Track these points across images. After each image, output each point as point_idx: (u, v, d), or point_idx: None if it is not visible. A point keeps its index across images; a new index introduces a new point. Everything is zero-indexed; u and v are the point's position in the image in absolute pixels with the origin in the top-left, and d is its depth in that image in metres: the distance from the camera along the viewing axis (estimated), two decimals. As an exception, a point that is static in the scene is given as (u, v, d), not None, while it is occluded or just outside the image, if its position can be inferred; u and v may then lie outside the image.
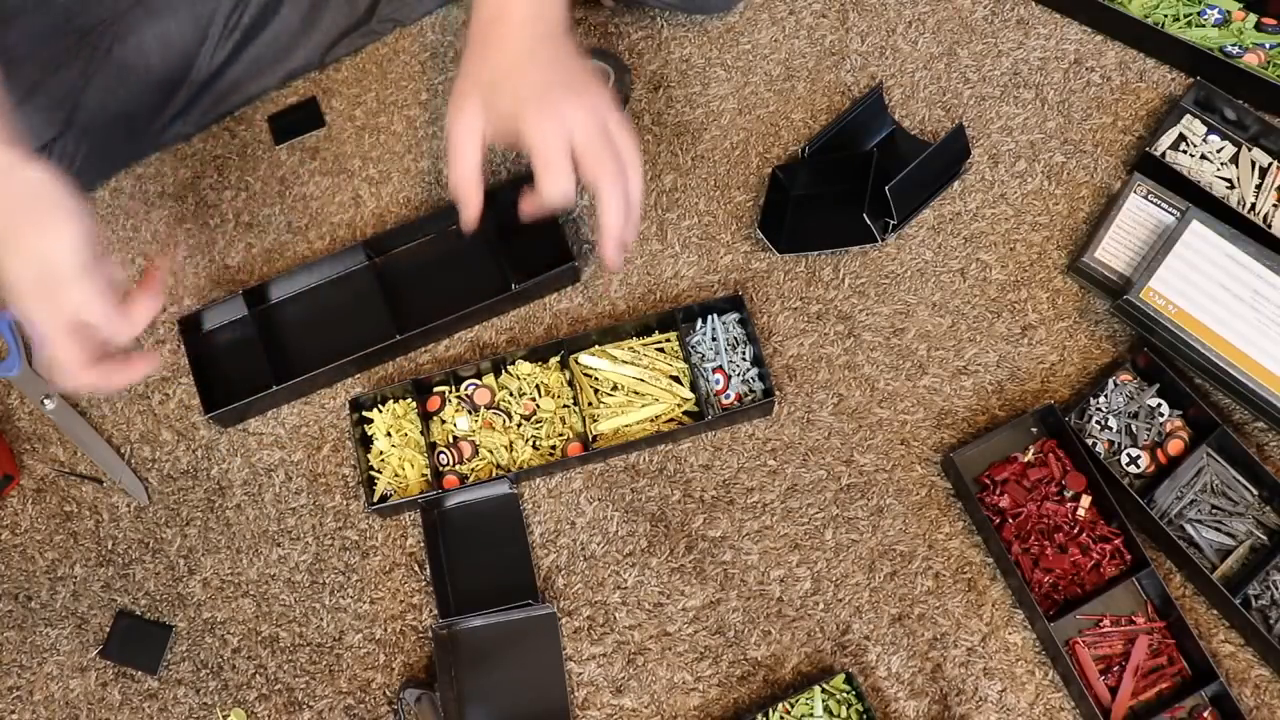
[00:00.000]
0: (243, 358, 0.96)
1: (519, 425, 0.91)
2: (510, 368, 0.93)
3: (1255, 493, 0.84)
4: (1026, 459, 0.87)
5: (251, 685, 0.87)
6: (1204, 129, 0.95)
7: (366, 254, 0.97)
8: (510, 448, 0.91)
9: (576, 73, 0.78)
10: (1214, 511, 0.84)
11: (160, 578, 0.91)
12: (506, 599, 0.85)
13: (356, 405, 0.92)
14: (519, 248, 0.96)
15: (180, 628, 0.89)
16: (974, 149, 0.98)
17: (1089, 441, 0.86)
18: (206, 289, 1.00)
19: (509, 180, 1.00)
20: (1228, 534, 0.83)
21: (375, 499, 0.90)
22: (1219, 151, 0.94)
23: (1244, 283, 0.85)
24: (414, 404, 0.92)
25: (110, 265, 0.72)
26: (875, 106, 0.99)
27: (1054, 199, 0.96)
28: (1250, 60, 0.96)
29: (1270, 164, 0.93)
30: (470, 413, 0.92)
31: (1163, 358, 0.87)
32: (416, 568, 0.89)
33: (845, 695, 0.81)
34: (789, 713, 0.81)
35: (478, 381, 0.93)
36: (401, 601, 0.89)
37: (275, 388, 0.92)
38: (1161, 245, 0.87)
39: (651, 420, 0.90)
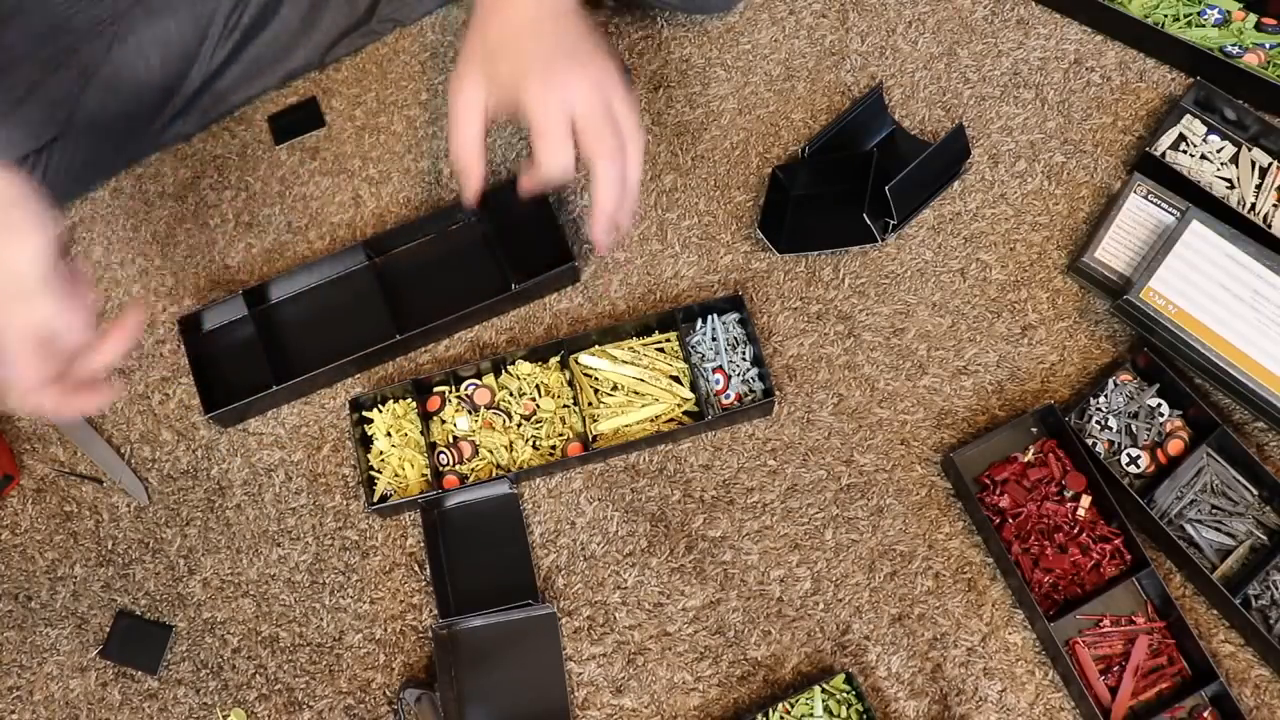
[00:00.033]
0: (243, 358, 0.96)
1: (519, 425, 0.91)
2: (510, 368, 0.93)
3: (1255, 493, 0.84)
4: (1026, 459, 0.87)
5: (251, 685, 0.87)
6: (1204, 129, 0.95)
7: (366, 254, 0.97)
8: (510, 448, 0.91)
9: (583, 46, 0.76)
10: (1214, 511, 0.84)
11: (160, 578, 0.91)
12: (506, 599, 0.85)
13: (356, 405, 0.92)
14: (519, 248, 0.96)
15: (180, 628, 0.89)
16: (974, 149, 0.98)
17: (1089, 441, 0.86)
18: (206, 289, 1.00)
19: (509, 180, 1.00)
20: (1228, 534, 0.83)
21: (375, 499, 0.90)
22: (1219, 151, 0.94)
23: (1244, 283, 0.85)
24: (414, 404, 0.92)
25: (86, 286, 0.70)
26: (875, 106, 0.99)
27: (1054, 199, 0.96)
28: (1250, 60, 0.96)
29: (1270, 164, 0.93)
30: (470, 413, 0.92)
31: (1163, 358, 0.87)
32: (416, 568, 0.89)
33: (845, 695, 0.81)
34: (789, 713, 0.81)
35: (478, 381, 0.93)
36: (401, 601, 0.89)
37: (275, 388, 0.92)
38: (1161, 245, 0.87)
39: (651, 420, 0.90)
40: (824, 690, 0.81)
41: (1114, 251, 0.91)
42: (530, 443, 0.91)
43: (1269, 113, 0.96)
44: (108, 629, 0.89)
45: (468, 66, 0.76)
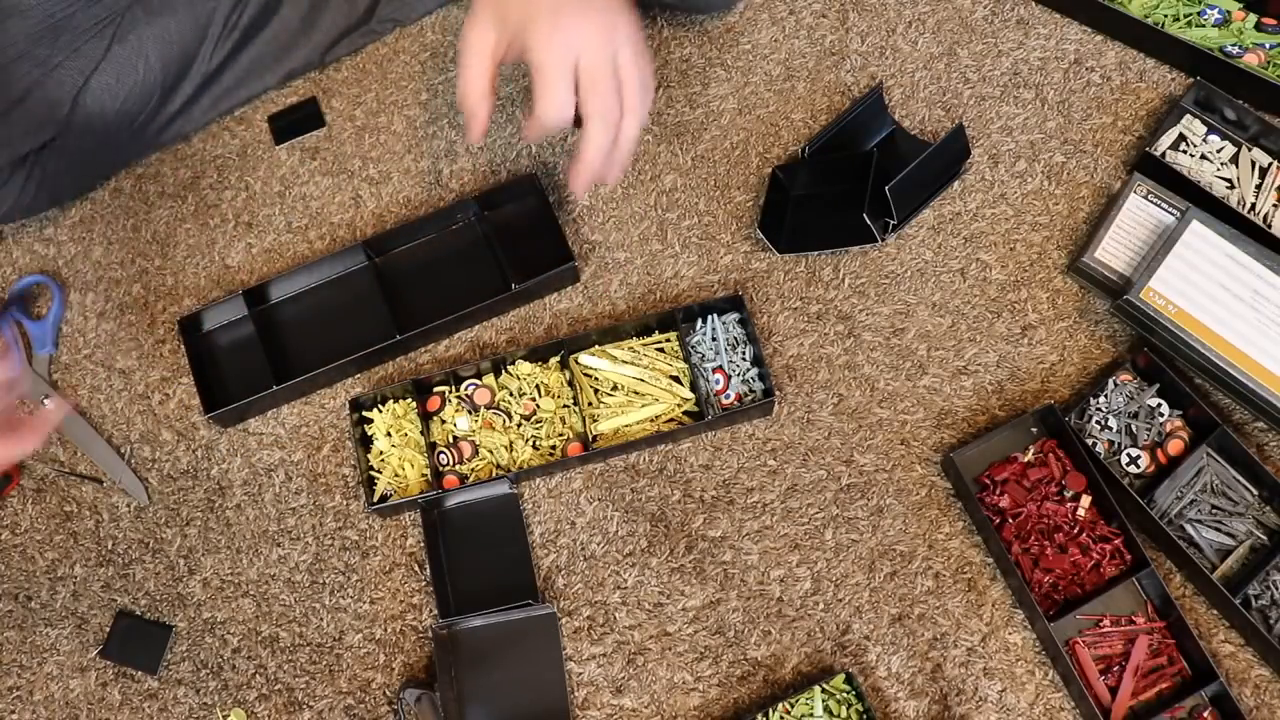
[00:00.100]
0: (243, 358, 0.96)
1: (519, 425, 0.91)
2: (510, 368, 0.93)
3: (1255, 493, 0.84)
4: (1026, 459, 0.87)
5: (251, 685, 0.87)
6: (1204, 129, 0.95)
7: (366, 254, 0.97)
8: (510, 448, 0.90)
9: None
10: (1214, 511, 0.84)
11: (160, 578, 0.91)
12: (506, 599, 0.85)
13: (356, 405, 0.92)
14: (519, 248, 0.96)
15: (180, 628, 0.89)
16: (974, 149, 0.98)
17: (1089, 441, 0.86)
18: (206, 289, 1.00)
19: (509, 180, 1.00)
20: (1228, 534, 0.83)
21: (375, 499, 0.90)
22: (1219, 151, 0.94)
23: (1244, 283, 0.85)
24: (414, 404, 0.92)
25: (15, 353, 0.69)
26: (875, 106, 0.99)
27: (1054, 199, 0.96)
28: (1250, 60, 0.95)
29: (1270, 164, 0.93)
30: (470, 413, 0.92)
31: (1163, 358, 0.87)
32: (416, 568, 0.89)
33: (845, 695, 0.81)
34: (789, 713, 0.81)
35: (478, 381, 0.93)
36: (401, 601, 0.89)
37: (275, 388, 0.92)
38: (1161, 245, 0.87)
39: (651, 420, 0.90)
40: (824, 690, 0.81)
41: (1114, 251, 0.91)
42: (530, 443, 0.91)
43: (1269, 113, 0.95)
44: (108, 629, 0.89)
45: (480, 8, 0.76)
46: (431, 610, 0.88)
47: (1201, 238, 0.86)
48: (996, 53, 1.02)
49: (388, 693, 0.86)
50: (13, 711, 0.88)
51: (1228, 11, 0.98)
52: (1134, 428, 0.86)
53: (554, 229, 0.96)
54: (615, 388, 0.92)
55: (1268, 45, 0.96)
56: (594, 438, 0.90)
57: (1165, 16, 0.98)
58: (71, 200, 1.04)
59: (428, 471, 0.90)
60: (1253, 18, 0.97)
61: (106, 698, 0.88)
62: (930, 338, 0.93)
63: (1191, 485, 0.84)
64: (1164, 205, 0.91)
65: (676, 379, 0.91)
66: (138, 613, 0.90)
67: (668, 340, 0.93)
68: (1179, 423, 0.87)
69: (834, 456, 0.90)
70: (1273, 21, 0.97)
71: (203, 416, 0.93)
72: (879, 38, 1.04)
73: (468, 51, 0.76)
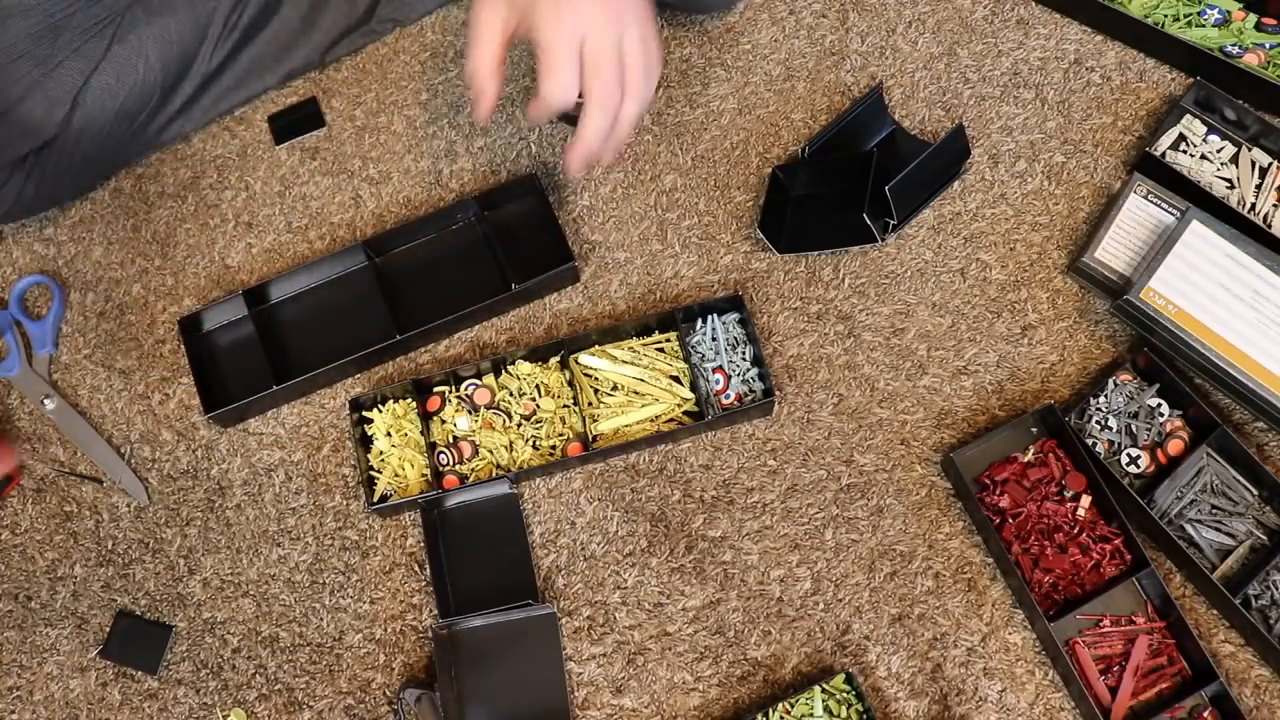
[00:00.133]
0: (243, 358, 0.96)
1: (519, 425, 0.91)
2: (510, 368, 0.93)
3: (1255, 493, 0.84)
4: (1026, 459, 0.87)
5: (251, 685, 0.87)
6: (1204, 129, 0.95)
7: (366, 254, 0.97)
8: (510, 448, 0.90)
9: None
10: (1214, 511, 0.84)
11: (160, 578, 0.91)
12: (506, 599, 0.85)
13: (356, 405, 0.92)
14: (519, 248, 0.96)
15: (180, 628, 0.89)
16: (974, 149, 0.98)
17: (1089, 441, 0.86)
18: (206, 289, 1.00)
19: (509, 180, 1.00)
20: (1228, 534, 0.83)
21: (375, 499, 0.90)
22: (1219, 151, 0.94)
23: (1244, 283, 0.85)
24: (414, 404, 0.92)
25: None
26: (875, 106, 0.99)
27: (1054, 199, 0.96)
28: (1250, 60, 0.96)
29: (1270, 164, 0.93)
30: (470, 413, 0.92)
31: (1163, 358, 0.87)
32: (416, 568, 0.89)
33: (845, 695, 0.81)
34: (789, 713, 0.81)
35: (478, 381, 0.93)
36: (401, 601, 0.89)
37: (275, 388, 0.92)
38: (1161, 245, 0.87)
39: (651, 420, 0.90)
40: (824, 690, 0.81)
41: (1114, 251, 0.91)
42: (530, 443, 0.91)
43: (1269, 113, 0.96)
44: (108, 629, 0.89)
45: None
46: (431, 610, 0.88)
47: (1201, 238, 0.87)
48: (996, 53, 1.02)
49: (388, 693, 0.86)
50: (13, 711, 0.88)
51: (1228, 11, 0.98)
52: (1134, 428, 0.86)
53: (554, 229, 0.96)
54: (615, 388, 0.92)
55: (1268, 45, 0.96)
56: (594, 438, 0.90)
57: (1165, 16, 0.98)
58: (71, 200, 1.04)
59: (428, 471, 0.90)
60: (1253, 18, 0.97)
61: (106, 698, 0.88)
62: (930, 338, 0.93)
63: (1191, 485, 0.84)
64: (1164, 205, 0.91)
65: (676, 379, 0.91)
66: (138, 613, 0.90)
67: (668, 340, 0.93)
68: (1179, 423, 0.87)
69: (834, 456, 0.90)
70: (1273, 21, 0.97)
71: (203, 416, 0.93)
72: (879, 38, 1.04)
73: (477, 29, 0.76)
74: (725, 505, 0.89)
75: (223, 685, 0.87)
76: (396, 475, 0.91)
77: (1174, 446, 0.85)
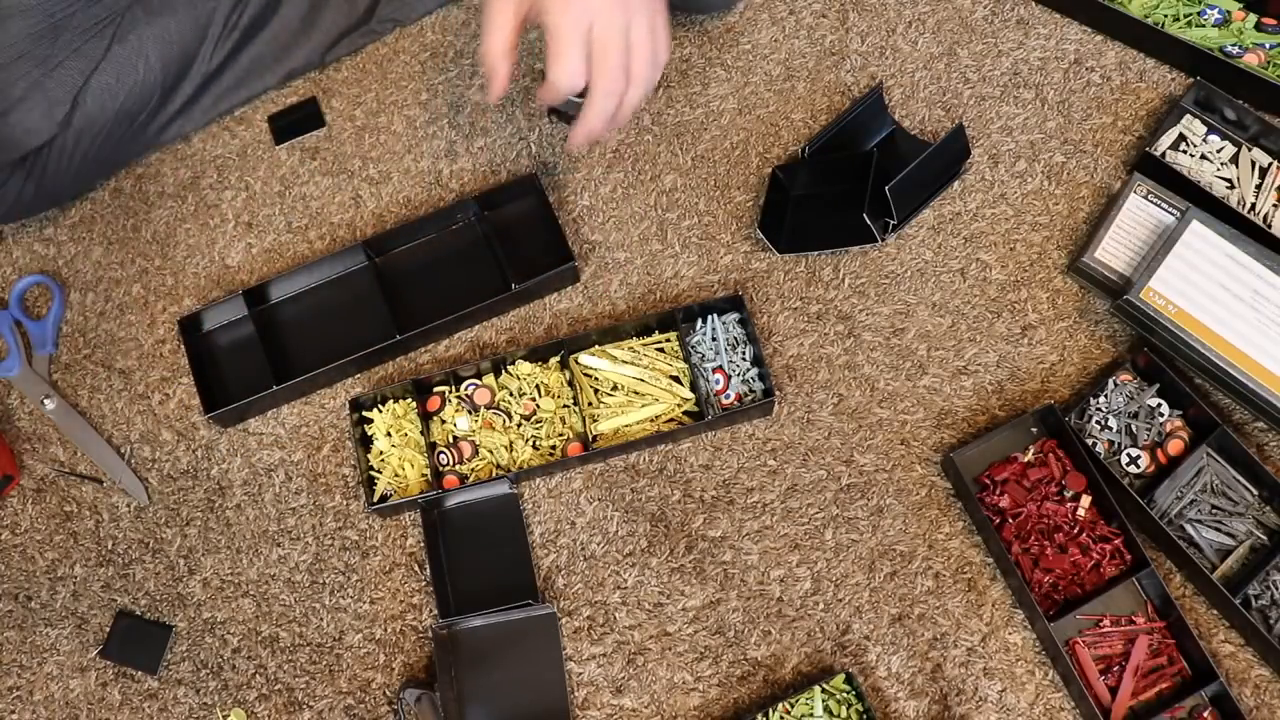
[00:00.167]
0: (243, 358, 0.96)
1: (519, 425, 0.91)
2: (510, 368, 0.93)
3: (1255, 493, 0.84)
4: (1026, 459, 0.87)
5: (251, 685, 0.87)
6: (1204, 129, 0.95)
7: (366, 254, 0.97)
8: (510, 448, 0.90)
9: None
10: (1214, 511, 0.84)
11: (160, 578, 0.91)
12: (506, 599, 0.85)
13: (356, 405, 0.92)
14: (519, 248, 0.96)
15: (180, 628, 0.89)
16: (974, 149, 0.98)
17: (1089, 441, 0.86)
18: (206, 289, 1.00)
19: (509, 180, 1.00)
20: (1228, 534, 0.83)
21: (375, 499, 0.90)
22: (1219, 151, 0.94)
23: (1244, 283, 0.85)
24: (414, 404, 0.92)
25: None
26: (875, 106, 0.99)
27: (1054, 199, 0.96)
28: (1250, 60, 0.96)
29: (1270, 164, 0.93)
30: (470, 413, 0.92)
31: (1163, 358, 0.87)
32: (416, 568, 0.89)
33: (845, 695, 0.81)
34: (789, 713, 0.81)
35: (478, 381, 0.93)
36: (401, 601, 0.89)
37: (275, 388, 0.92)
38: (1161, 245, 0.87)
39: (651, 420, 0.90)
40: (824, 690, 0.81)
41: (1114, 251, 0.91)
42: (530, 443, 0.91)
43: (1269, 113, 0.96)
44: (108, 629, 0.89)
45: None
46: (431, 610, 0.88)
47: (1201, 238, 0.87)
48: (996, 53, 1.02)
49: (388, 693, 0.86)
50: (13, 711, 0.88)
51: (1228, 11, 0.98)
52: (1134, 428, 0.86)
53: (554, 229, 0.96)
54: (615, 388, 0.92)
55: (1268, 45, 0.96)
56: (594, 438, 0.90)
57: (1165, 16, 0.98)
58: (71, 200, 1.04)
59: (428, 471, 0.90)
60: (1253, 18, 0.97)
61: (106, 698, 0.88)
62: (930, 338, 0.93)
63: (1191, 485, 0.84)
64: (1164, 205, 0.91)
65: (676, 379, 0.91)
66: (138, 613, 0.90)
67: (668, 340, 0.93)
68: (1179, 423, 0.87)
69: (834, 456, 0.90)
70: (1273, 21, 0.97)
71: (203, 416, 0.93)
72: (879, 38, 1.04)
73: (491, 13, 0.77)
74: (725, 505, 0.89)
75: (223, 685, 0.87)
76: (396, 475, 0.91)
77: (1174, 446, 0.85)
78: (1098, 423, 0.87)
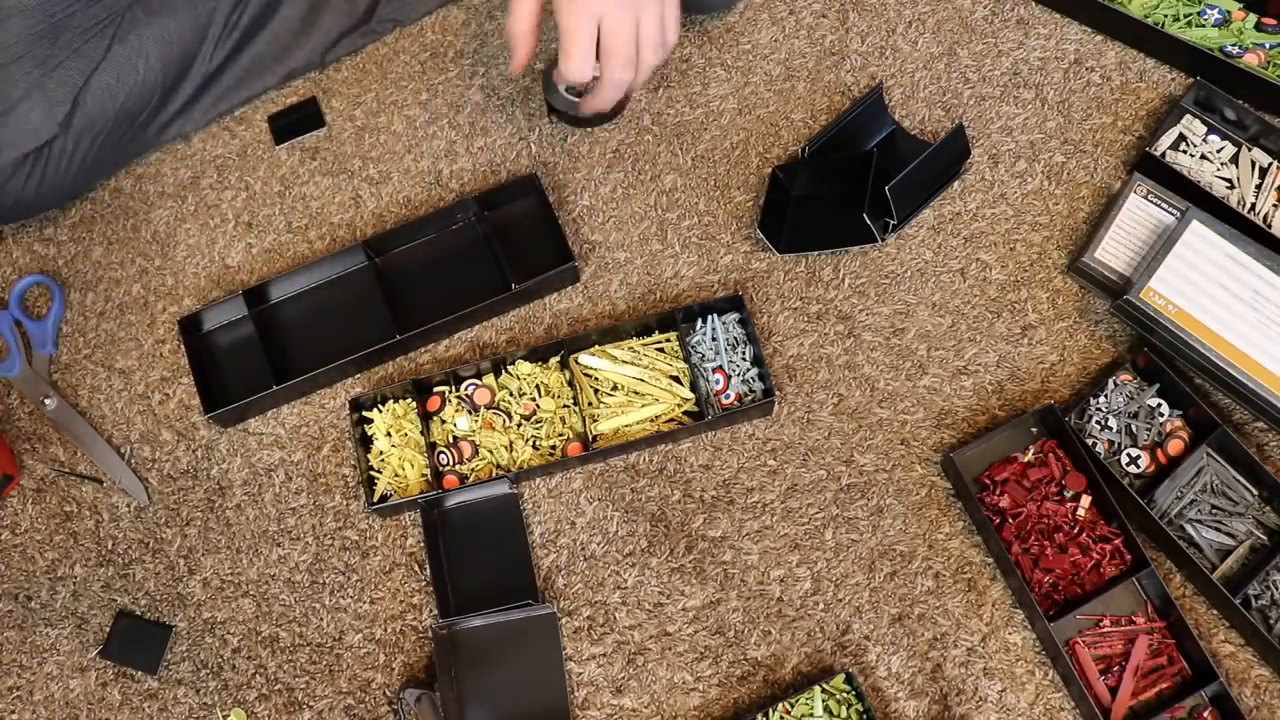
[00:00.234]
0: (243, 358, 0.96)
1: (519, 425, 0.91)
2: (510, 368, 0.93)
3: (1255, 493, 0.84)
4: (1026, 459, 0.87)
5: (251, 685, 0.87)
6: (1204, 129, 0.95)
7: (366, 254, 0.97)
8: (510, 448, 0.90)
9: None
10: (1214, 511, 0.84)
11: (160, 578, 0.91)
12: (506, 599, 0.85)
13: (356, 405, 0.92)
14: (519, 248, 0.96)
15: (180, 628, 0.89)
16: (974, 149, 0.98)
17: (1089, 441, 0.86)
18: (206, 289, 1.00)
19: (509, 180, 1.00)
20: (1228, 534, 0.83)
21: (375, 499, 0.90)
22: (1219, 151, 0.94)
23: (1244, 283, 0.85)
24: (414, 404, 0.92)
25: None
26: (875, 106, 0.99)
27: (1054, 199, 0.96)
28: (1250, 60, 0.96)
29: (1270, 164, 0.93)
30: (470, 413, 0.92)
31: (1163, 358, 0.87)
32: (416, 568, 0.89)
33: (845, 695, 0.81)
34: (789, 713, 0.81)
35: (478, 381, 0.93)
36: (401, 601, 0.89)
37: (275, 388, 0.92)
38: (1161, 245, 0.87)
39: (651, 420, 0.90)
40: (824, 690, 0.81)
41: (1114, 251, 0.91)
42: (530, 443, 0.91)
43: (1269, 113, 0.96)
44: (108, 629, 0.89)
45: None
46: (431, 610, 0.88)
47: (1201, 238, 0.87)
48: (996, 53, 1.02)
49: (388, 693, 0.86)
50: (13, 711, 0.88)
51: (1228, 11, 0.98)
52: (1134, 428, 0.86)
53: (554, 229, 0.96)
54: (615, 388, 0.92)
55: (1268, 45, 0.96)
56: (594, 438, 0.90)
57: (1165, 16, 0.98)
58: (71, 200, 1.04)
59: (428, 471, 0.90)
60: (1253, 18, 0.97)
61: (106, 698, 0.88)
62: (930, 338, 0.93)
63: (1191, 485, 0.84)
64: (1164, 205, 0.91)
65: (676, 379, 0.91)
66: (138, 613, 0.90)
67: (668, 340, 0.93)
68: (1179, 423, 0.87)
69: (834, 456, 0.90)
70: (1273, 21, 0.97)
71: (203, 416, 0.93)
72: (879, 38, 1.04)
73: None
74: (725, 505, 0.89)
75: (223, 685, 0.87)
76: (396, 475, 0.91)
77: (1174, 446, 0.85)
78: (1098, 423, 0.87)
